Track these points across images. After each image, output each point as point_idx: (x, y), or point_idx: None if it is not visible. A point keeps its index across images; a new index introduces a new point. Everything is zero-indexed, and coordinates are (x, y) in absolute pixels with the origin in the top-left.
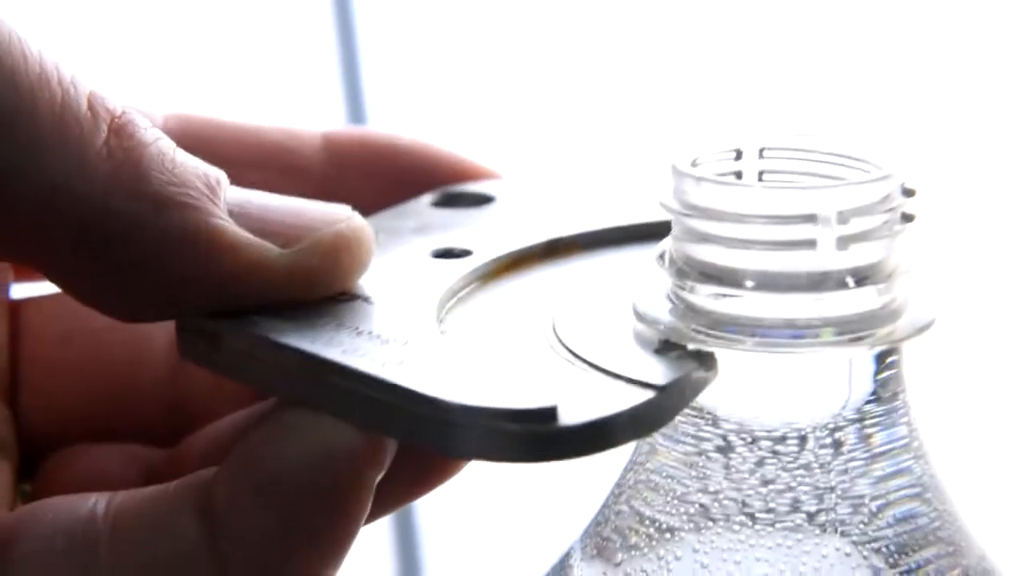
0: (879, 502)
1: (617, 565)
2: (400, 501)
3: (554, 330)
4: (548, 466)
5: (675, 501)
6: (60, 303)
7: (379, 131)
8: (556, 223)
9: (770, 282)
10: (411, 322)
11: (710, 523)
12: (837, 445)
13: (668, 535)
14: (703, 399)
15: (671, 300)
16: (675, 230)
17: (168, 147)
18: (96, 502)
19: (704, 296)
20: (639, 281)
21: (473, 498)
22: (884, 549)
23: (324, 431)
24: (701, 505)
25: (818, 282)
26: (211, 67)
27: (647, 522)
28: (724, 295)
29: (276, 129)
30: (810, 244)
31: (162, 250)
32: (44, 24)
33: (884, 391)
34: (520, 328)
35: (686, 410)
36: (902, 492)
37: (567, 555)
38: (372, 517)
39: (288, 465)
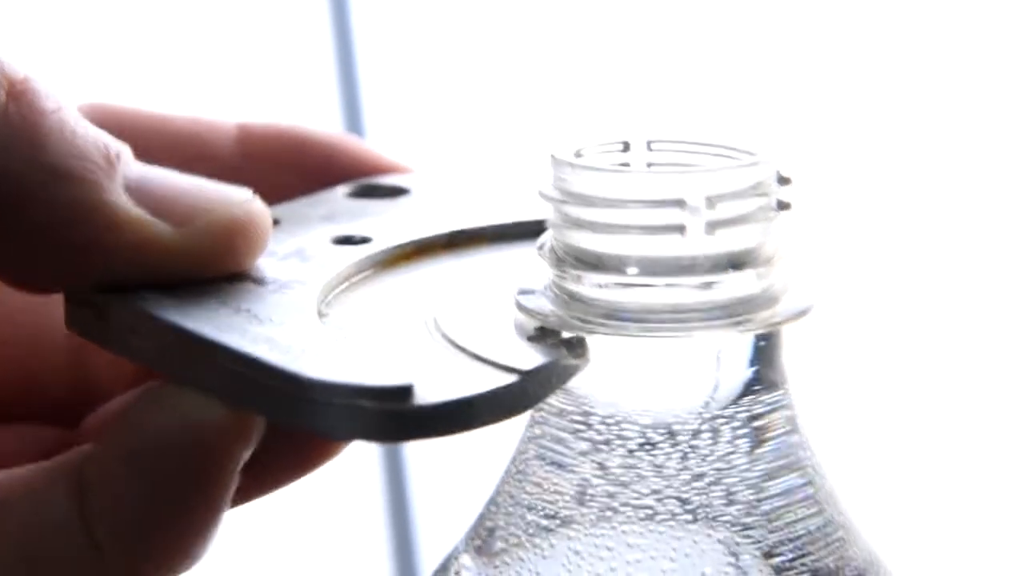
0: (757, 492)
1: (495, 555)
2: (278, 482)
3: (435, 318)
4: None
5: (550, 492)
6: None
7: (295, 124)
8: (465, 215)
9: (647, 267)
10: (291, 304)
11: (584, 512)
12: (715, 433)
13: (544, 524)
14: (578, 386)
15: (552, 289)
16: (554, 218)
17: (70, 117)
18: None
19: (582, 284)
20: (522, 271)
21: (472, 499)
22: (761, 540)
23: (191, 405)
24: (577, 495)
25: (692, 267)
26: (206, 67)
27: (524, 512)
28: (602, 282)
29: (189, 119)
30: (680, 229)
31: (54, 221)
32: (40, 23)
33: (764, 379)
34: (404, 315)
35: (561, 398)
36: (783, 482)
37: (453, 550)
38: (250, 497)
39: (154, 437)
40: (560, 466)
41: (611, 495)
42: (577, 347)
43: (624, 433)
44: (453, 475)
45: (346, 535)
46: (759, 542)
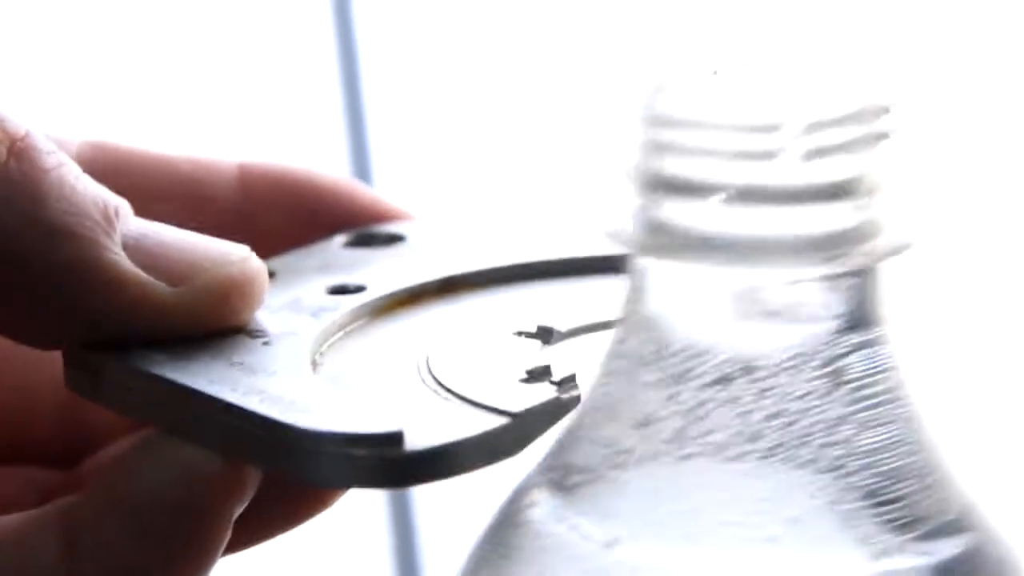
0: (852, 432)
1: (570, 489)
2: (270, 533)
3: (427, 363)
4: None
5: (628, 426)
6: None
7: (296, 167)
8: (458, 261)
9: (738, 195)
10: (285, 355)
11: (663, 448)
12: (808, 371)
13: (620, 460)
14: (659, 318)
15: (638, 217)
16: (642, 142)
17: (69, 174)
18: None
19: (669, 211)
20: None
21: (473, 501)
22: (854, 484)
23: (185, 457)
24: (654, 430)
25: (786, 196)
26: (208, 70)
27: (600, 447)
28: (691, 209)
29: (189, 160)
30: (774, 155)
31: (51, 279)
32: (41, 24)
33: (856, 317)
34: (397, 361)
35: (639, 332)
36: (878, 426)
37: (522, 483)
38: (241, 547)
39: (147, 489)
40: (637, 401)
41: (690, 432)
42: (568, 385)
43: (711, 369)
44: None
45: (346, 537)
46: (855, 488)
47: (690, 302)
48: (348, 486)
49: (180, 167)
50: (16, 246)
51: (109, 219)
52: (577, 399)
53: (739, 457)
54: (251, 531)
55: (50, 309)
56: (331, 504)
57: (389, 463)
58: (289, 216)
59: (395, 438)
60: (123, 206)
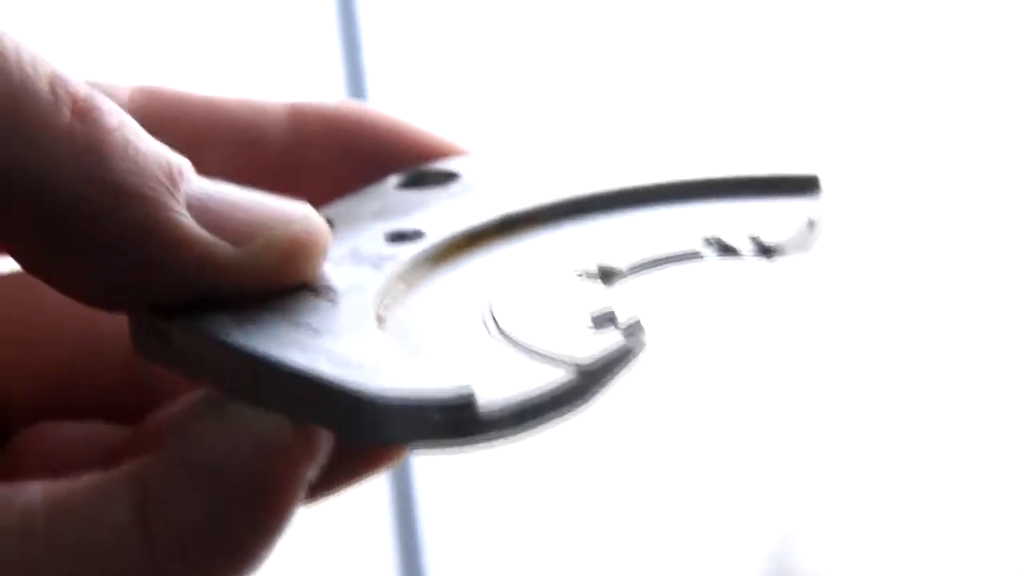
0: None
1: None
2: (339, 486)
3: (491, 311)
4: (550, 464)
5: None
6: (20, 278)
7: (348, 105)
8: (515, 197)
9: None
10: (350, 313)
11: None
12: None
13: None
14: None
15: None
16: None
17: (132, 133)
18: (33, 491)
19: None
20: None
21: (476, 499)
22: None
23: (257, 422)
24: None
25: None
26: (212, 52)
27: None
28: None
29: (239, 102)
30: None
31: (117, 240)
32: (43, 9)
33: None
34: (461, 311)
35: None
36: None
37: None
38: (310, 501)
39: (220, 454)
40: None
41: None
42: (635, 330)
43: None
44: (459, 476)
45: (348, 537)
46: None
47: None
48: (419, 447)
49: (229, 109)
50: (81, 207)
51: (173, 179)
52: (643, 344)
53: None
54: (320, 485)
55: (115, 270)
56: (396, 460)
57: (461, 423)
58: (341, 155)
59: (466, 398)
60: (186, 165)
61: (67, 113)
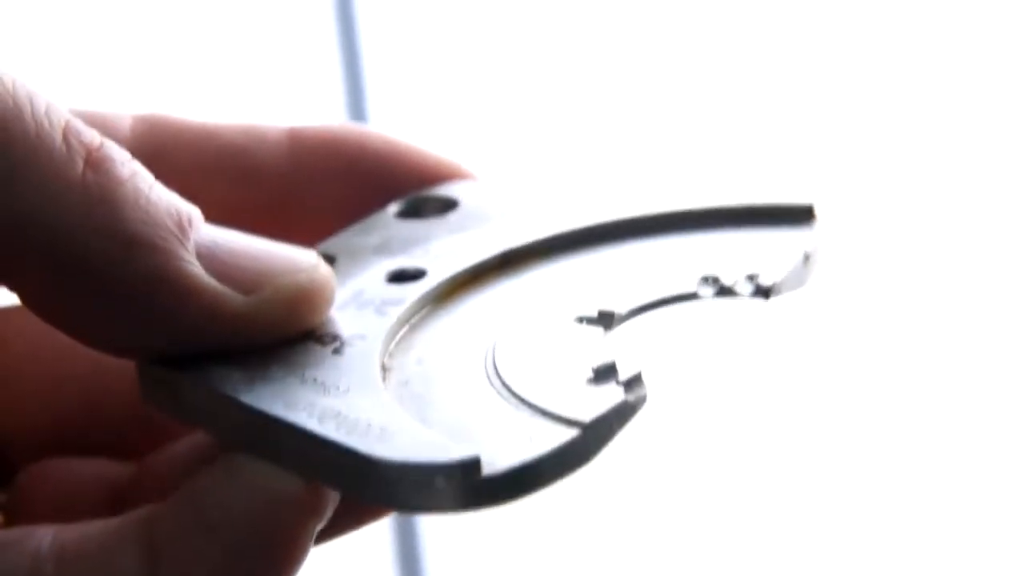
0: None
1: None
2: (343, 531)
3: (493, 358)
4: None
5: None
6: (28, 315)
7: (348, 129)
8: (514, 230)
9: None
10: (355, 366)
11: None
12: None
13: None
14: None
15: None
16: None
17: (144, 183)
18: (43, 537)
19: None
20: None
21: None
22: None
23: (268, 478)
24: None
25: None
26: (212, 63)
27: None
28: None
29: (239, 130)
30: None
31: (129, 289)
32: (43, 21)
33: None
34: (463, 358)
35: None
36: None
37: None
38: (314, 545)
39: (231, 509)
40: None
41: None
42: (635, 385)
43: None
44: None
45: (348, 537)
46: None
47: None
48: (426, 511)
49: (231, 137)
50: (94, 257)
51: (183, 228)
52: (644, 399)
53: None
54: (323, 532)
55: (126, 319)
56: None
57: (466, 489)
58: (342, 179)
59: (471, 465)
60: (195, 214)
61: (80, 164)
